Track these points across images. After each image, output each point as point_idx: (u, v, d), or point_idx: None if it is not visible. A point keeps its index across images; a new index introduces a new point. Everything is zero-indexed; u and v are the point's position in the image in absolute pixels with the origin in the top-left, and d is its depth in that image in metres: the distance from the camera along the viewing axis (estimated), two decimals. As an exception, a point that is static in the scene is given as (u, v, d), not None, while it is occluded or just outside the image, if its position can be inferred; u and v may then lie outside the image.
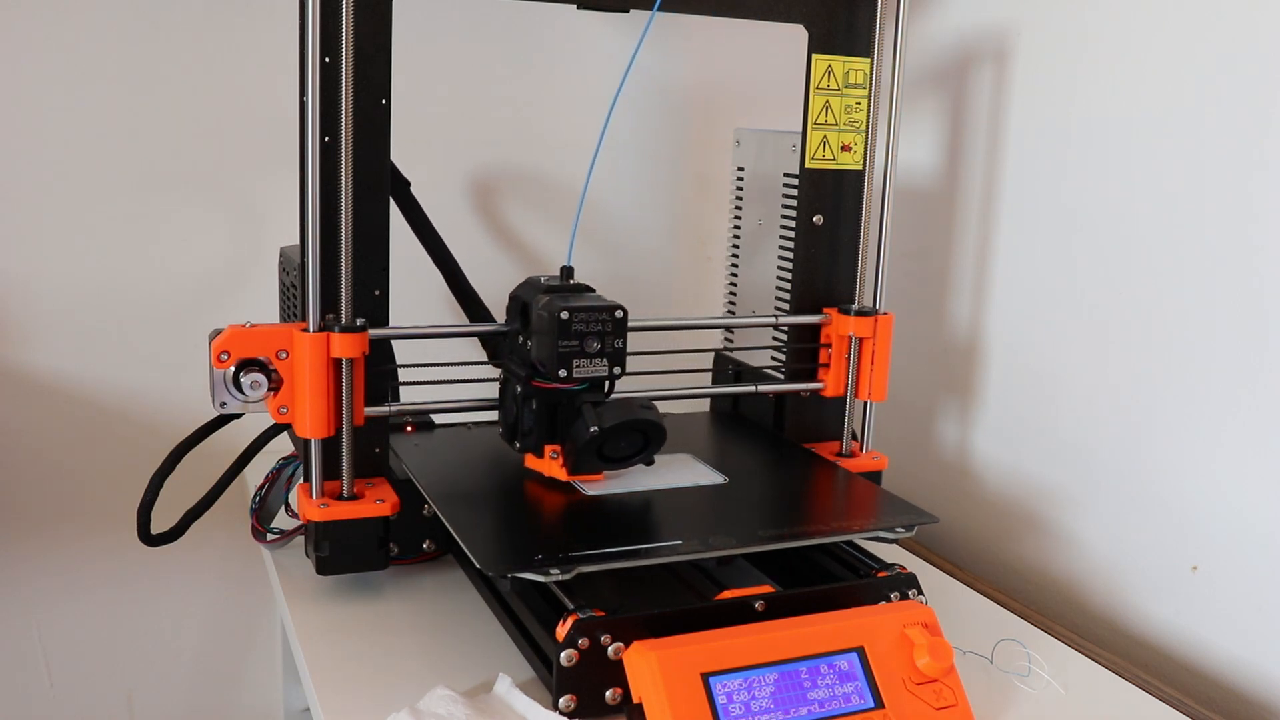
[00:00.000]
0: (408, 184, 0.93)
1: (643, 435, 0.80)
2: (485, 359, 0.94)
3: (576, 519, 0.78)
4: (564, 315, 0.76)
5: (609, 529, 0.76)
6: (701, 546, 0.74)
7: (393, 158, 0.90)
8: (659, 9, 0.86)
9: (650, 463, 0.82)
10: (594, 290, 0.81)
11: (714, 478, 0.86)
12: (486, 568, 0.69)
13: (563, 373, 0.77)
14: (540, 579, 0.68)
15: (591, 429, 0.77)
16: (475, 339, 0.96)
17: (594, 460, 0.80)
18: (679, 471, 0.86)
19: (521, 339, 0.81)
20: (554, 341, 0.76)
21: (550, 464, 0.81)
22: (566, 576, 0.68)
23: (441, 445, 0.92)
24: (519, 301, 0.82)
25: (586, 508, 0.79)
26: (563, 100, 1.22)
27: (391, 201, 0.83)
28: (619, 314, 0.77)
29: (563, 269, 0.82)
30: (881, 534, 0.78)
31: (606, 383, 0.80)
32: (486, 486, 0.85)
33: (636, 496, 0.81)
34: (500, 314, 0.86)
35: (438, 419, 0.97)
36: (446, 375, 0.89)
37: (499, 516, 0.79)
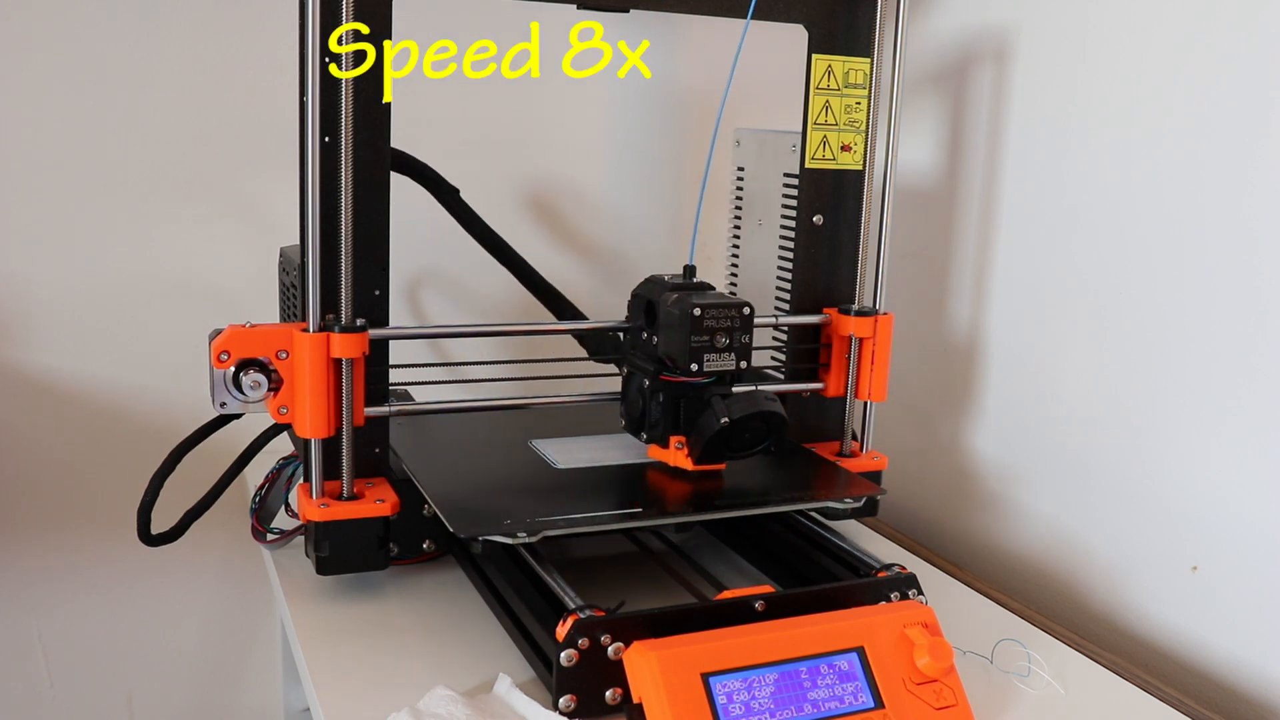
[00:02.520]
0: (456, 191, 0.94)
1: (766, 425, 0.83)
2: (485, 360, 0.94)
3: (547, 490, 0.82)
4: (696, 312, 0.78)
5: (576, 499, 0.79)
6: (659, 514, 0.79)
7: (432, 168, 0.90)
8: (660, 9, 0.86)
9: (771, 452, 0.85)
10: (715, 288, 0.84)
11: None
12: (458, 530, 0.73)
13: (694, 367, 0.79)
14: (508, 540, 0.72)
15: (723, 420, 0.80)
16: (494, 338, 0.97)
17: (721, 450, 0.82)
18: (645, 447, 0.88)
19: (647, 335, 0.84)
20: (686, 337, 0.79)
21: (676, 454, 0.83)
22: (533, 539, 0.73)
23: (425, 425, 0.94)
24: (643, 299, 0.85)
25: (557, 480, 0.83)
26: (562, 100, 1.22)
27: (397, 201, 0.83)
28: (746, 310, 0.80)
29: (686, 267, 0.84)
30: (832, 504, 0.84)
31: (732, 376, 0.82)
32: (465, 462, 0.88)
33: (604, 470, 0.85)
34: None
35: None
36: (447, 375, 0.89)
37: (473, 486, 0.83)
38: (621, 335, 0.88)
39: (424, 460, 0.86)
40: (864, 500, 0.84)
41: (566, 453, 0.89)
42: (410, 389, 0.94)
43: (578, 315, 1.04)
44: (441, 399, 0.87)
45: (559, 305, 1.02)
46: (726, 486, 0.83)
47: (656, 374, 0.82)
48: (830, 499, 0.84)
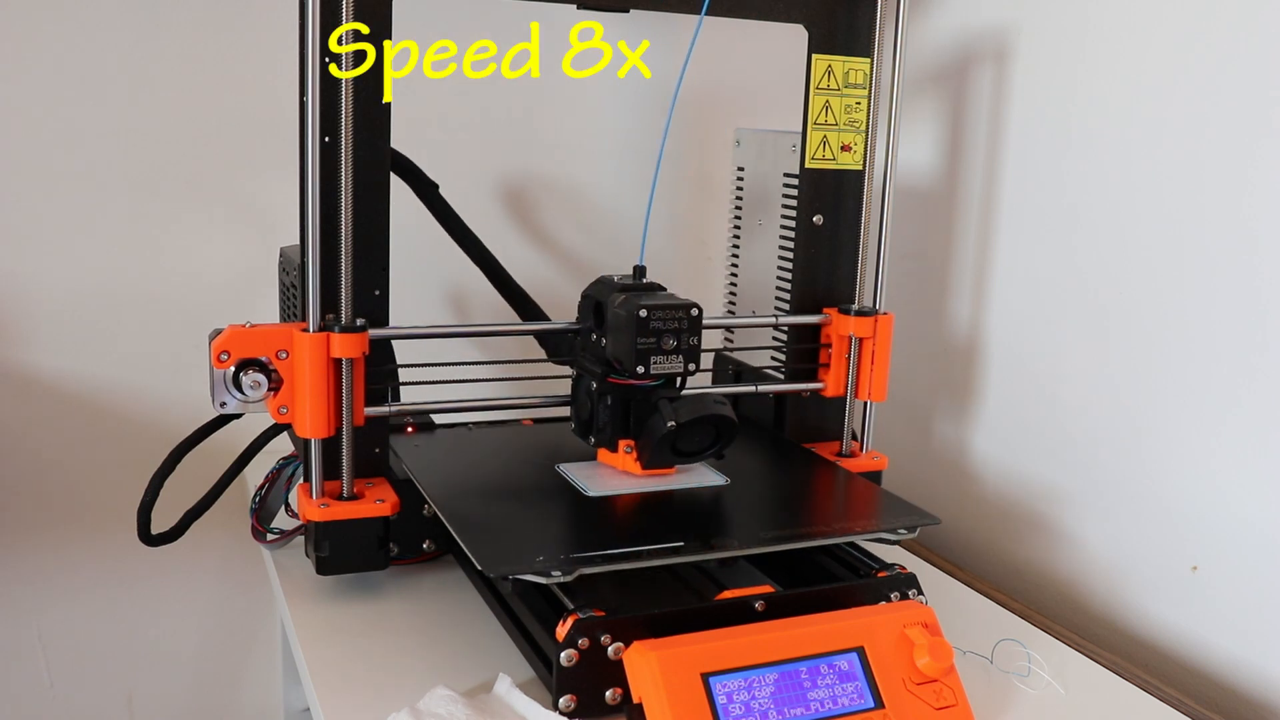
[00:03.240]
0: (435, 186, 0.93)
1: (715, 429, 0.82)
2: (485, 359, 0.94)
3: (578, 520, 0.78)
4: (642, 313, 0.77)
5: (610, 530, 0.76)
6: (703, 548, 0.74)
7: (414, 162, 0.90)
8: (660, 9, 0.86)
9: (721, 456, 0.84)
10: (665, 289, 0.83)
11: (715, 478, 0.86)
12: (488, 569, 0.69)
13: (641, 369, 0.78)
14: (541, 580, 0.68)
15: (669, 424, 0.79)
16: (493, 339, 0.96)
17: (669, 454, 0.81)
18: (680, 473, 0.86)
19: (596, 336, 0.83)
20: (632, 339, 0.77)
21: (624, 459, 0.83)
22: (568, 578, 0.68)
23: (442, 446, 0.92)
24: (592, 300, 0.83)
25: (588, 509, 0.79)
26: (563, 100, 1.22)
27: (397, 201, 0.83)
28: (694, 311, 0.79)
29: (635, 268, 0.83)
30: (884, 535, 0.78)
31: (680, 379, 0.81)
32: (487, 487, 0.85)
33: (638, 497, 0.81)
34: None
35: (438, 419, 0.97)
36: (447, 375, 0.89)
37: (500, 517, 0.79)
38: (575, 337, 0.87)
39: (446, 489, 0.82)
40: (917, 530, 0.79)
41: (597, 478, 0.84)
42: (409, 389, 0.93)
43: (542, 316, 1.02)
44: (441, 399, 0.87)
45: (525, 306, 1.01)
46: (769, 515, 0.81)
47: (604, 376, 0.80)
48: (883, 530, 0.78)
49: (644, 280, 0.83)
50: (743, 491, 0.85)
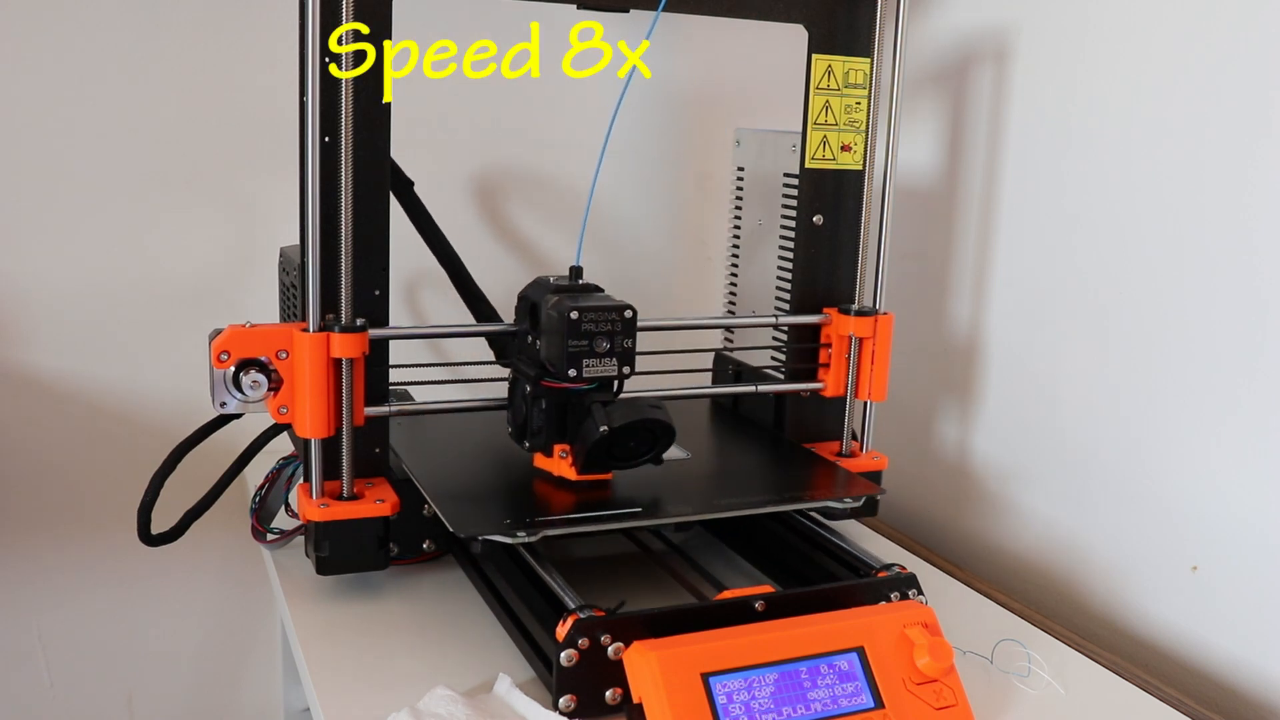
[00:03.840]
0: (411, 184, 0.93)
1: (651, 434, 0.81)
2: (489, 359, 0.94)
3: (547, 490, 0.81)
4: (573, 315, 0.76)
5: (576, 499, 0.78)
6: (659, 513, 0.79)
7: (393, 158, 0.90)
8: (661, 9, 0.86)
9: (659, 462, 0.83)
10: (603, 290, 0.81)
11: (678, 454, 0.88)
12: (458, 529, 0.73)
13: (572, 372, 0.77)
14: (507, 540, 0.72)
15: (601, 429, 0.78)
16: (483, 339, 0.96)
17: (604, 460, 0.81)
18: None
19: (531, 339, 0.82)
20: (563, 341, 0.76)
21: (560, 463, 0.82)
22: (533, 539, 0.72)
23: (424, 424, 0.94)
24: (528, 301, 0.82)
25: (557, 481, 0.82)
26: (562, 100, 1.22)
27: (394, 201, 0.83)
28: (628, 314, 0.78)
29: (572, 269, 0.82)
30: (831, 504, 0.83)
31: (616, 382, 0.80)
32: (465, 461, 0.88)
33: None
34: (506, 313, 0.86)
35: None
36: (447, 375, 0.89)
37: (474, 487, 0.83)
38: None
39: (424, 461, 0.85)
40: (863, 500, 0.84)
41: None
42: (410, 389, 0.94)
43: (495, 317, 1.01)
44: (441, 399, 0.87)
45: (480, 308, 1.00)
46: (726, 486, 0.83)
47: (538, 379, 0.80)
48: (830, 499, 0.83)
49: (580, 281, 0.81)
50: (703, 466, 0.88)
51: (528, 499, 0.80)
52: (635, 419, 0.79)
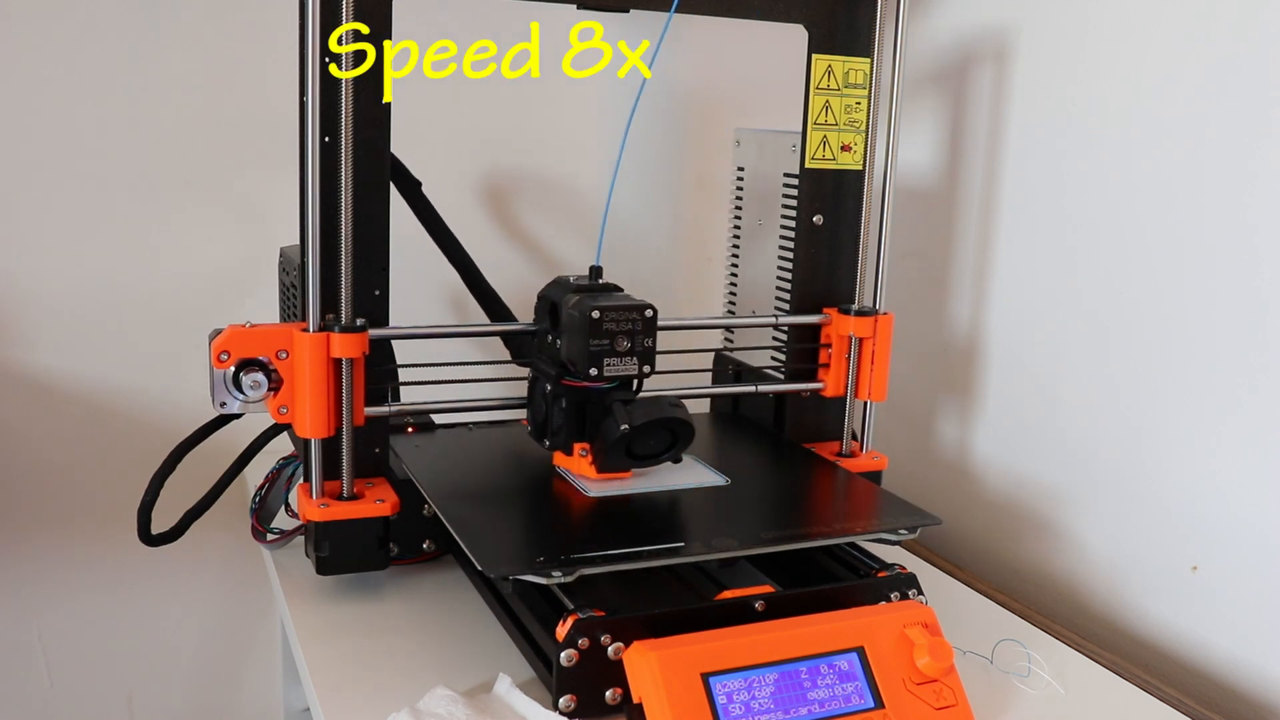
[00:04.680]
0: (419, 184, 0.93)
1: (671, 433, 0.81)
2: (486, 359, 0.94)
3: (578, 520, 0.78)
4: (595, 314, 0.76)
5: (610, 530, 0.76)
6: (704, 548, 0.73)
7: (400, 158, 0.90)
8: (660, 9, 0.86)
9: (678, 460, 0.83)
10: (622, 289, 0.82)
11: (715, 479, 0.86)
12: (488, 570, 0.69)
13: (593, 371, 0.77)
14: (542, 581, 0.68)
15: (622, 427, 0.78)
16: (493, 339, 0.96)
17: (623, 458, 0.81)
18: (680, 472, 0.86)
19: (551, 338, 0.82)
20: (585, 340, 0.77)
21: (579, 462, 0.82)
22: (569, 579, 0.68)
23: (442, 446, 0.92)
24: (548, 301, 0.82)
25: (588, 509, 0.79)
26: (563, 100, 1.22)
27: (398, 201, 0.83)
28: (649, 313, 0.78)
29: (592, 269, 0.83)
30: (884, 536, 0.78)
31: (636, 381, 0.80)
32: (487, 487, 0.85)
33: (638, 498, 0.81)
34: (519, 313, 0.86)
35: (438, 419, 0.97)
36: (447, 375, 0.89)
37: (500, 518, 0.79)
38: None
39: (447, 490, 0.82)
40: (918, 531, 0.79)
41: (597, 478, 0.83)
42: (409, 389, 0.93)
43: (510, 317, 1.01)
44: (441, 399, 0.87)
45: (494, 307, 1.00)
46: (767, 514, 0.81)
47: (559, 378, 0.80)
48: (884, 530, 0.78)
49: (600, 281, 0.82)
50: (743, 492, 0.84)
51: (558, 529, 0.77)
52: (656, 417, 0.79)
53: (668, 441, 0.82)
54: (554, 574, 0.68)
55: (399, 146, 0.84)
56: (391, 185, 0.95)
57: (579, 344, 0.77)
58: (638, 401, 0.80)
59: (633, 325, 0.77)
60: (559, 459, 0.83)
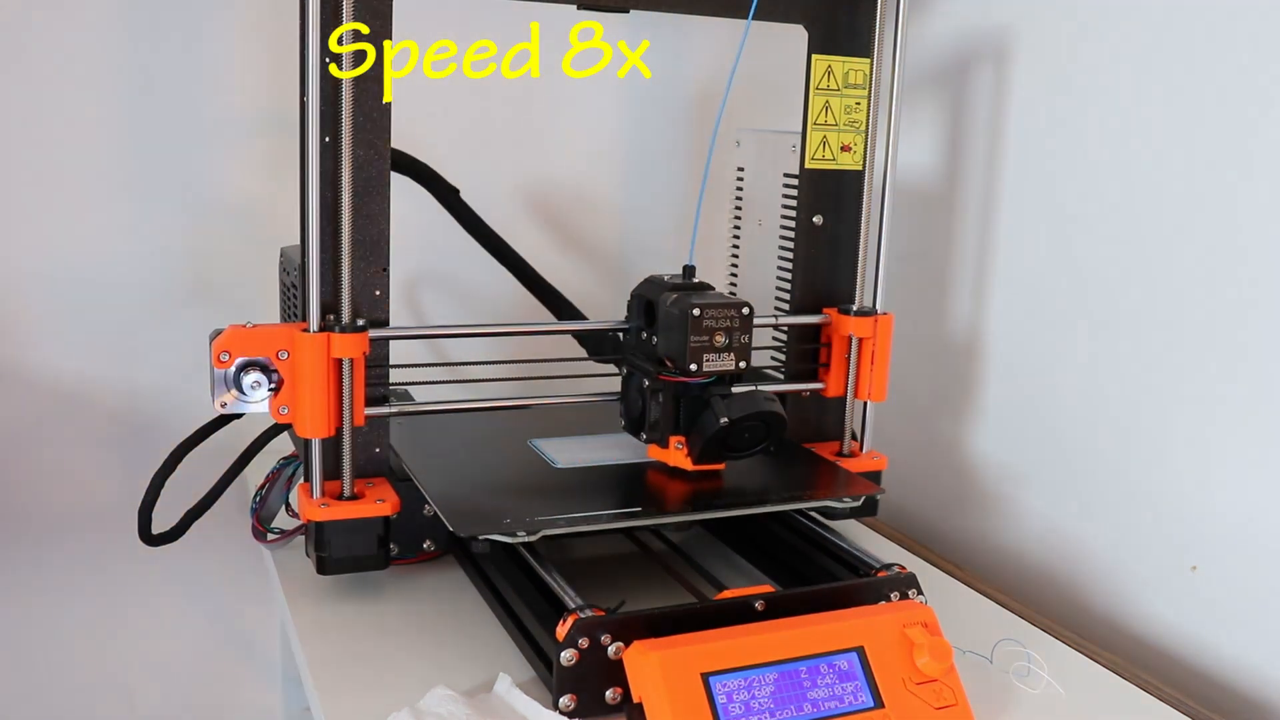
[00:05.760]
0: (456, 191, 0.94)
1: (766, 426, 0.83)
2: (485, 360, 0.94)
3: (547, 489, 0.83)
4: (695, 312, 0.79)
5: (576, 499, 0.79)
6: (658, 513, 0.80)
7: (433, 168, 0.90)
8: (660, 9, 0.86)
9: (770, 452, 0.85)
10: (714, 288, 0.84)
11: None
12: (458, 529, 0.73)
13: (693, 367, 0.79)
14: (507, 539, 0.73)
15: (722, 420, 0.80)
16: (479, 339, 0.96)
17: (720, 450, 0.82)
18: (642, 446, 0.88)
19: (646, 335, 0.84)
20: (684, 337, 0.79)
21: (676, 454, 0.83)
22: (533, 538, 0.73)
23: (424, 424, 0.94)
24: (643, 300, 0.85)
25: (556, 479, 0.84)
26: (562, 100, 1.22)
27: (398, 201, 0.83)
28: (746, 310, 0.80)
29: (685, 267, 0.85)
30: (830, 504, 0.85)
31: (732, 376, 0.82)
32: (463, 459, 0.89)
33: (604, 470, 0.86)
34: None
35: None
36: (447, 375, 0.89)
37: (473, 485, 0.84)
38: (621, 335, 0.88)
39: (424, 460, 0.86)
40: (863, 500, 0.84)
41: (566, 452, 0.89)
42: (410, 389, 0.94)
43: (577, 315, 1.03)
44: (441, 399, 0.87)
45: (559, 305, 1.02)
46: (726, 486, 0.83)
47: (656, 374, 0.82)
48: (829, 498, 0.84)
49: (694, 279, 0.84)
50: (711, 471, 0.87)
51: (529, 499, 0.80)
52: (754, 410, 0.81)
53: (762, 434, 0.83)
54: (519, 533, 0.73)
55: (398, 145, 0.84)
56: (405, 188, 0.96)
57: (678, 340, 0.79)
58: (735, 395, 0.82)
59: (730, 322, 0.80)
60: (653, 451, 0.85)
